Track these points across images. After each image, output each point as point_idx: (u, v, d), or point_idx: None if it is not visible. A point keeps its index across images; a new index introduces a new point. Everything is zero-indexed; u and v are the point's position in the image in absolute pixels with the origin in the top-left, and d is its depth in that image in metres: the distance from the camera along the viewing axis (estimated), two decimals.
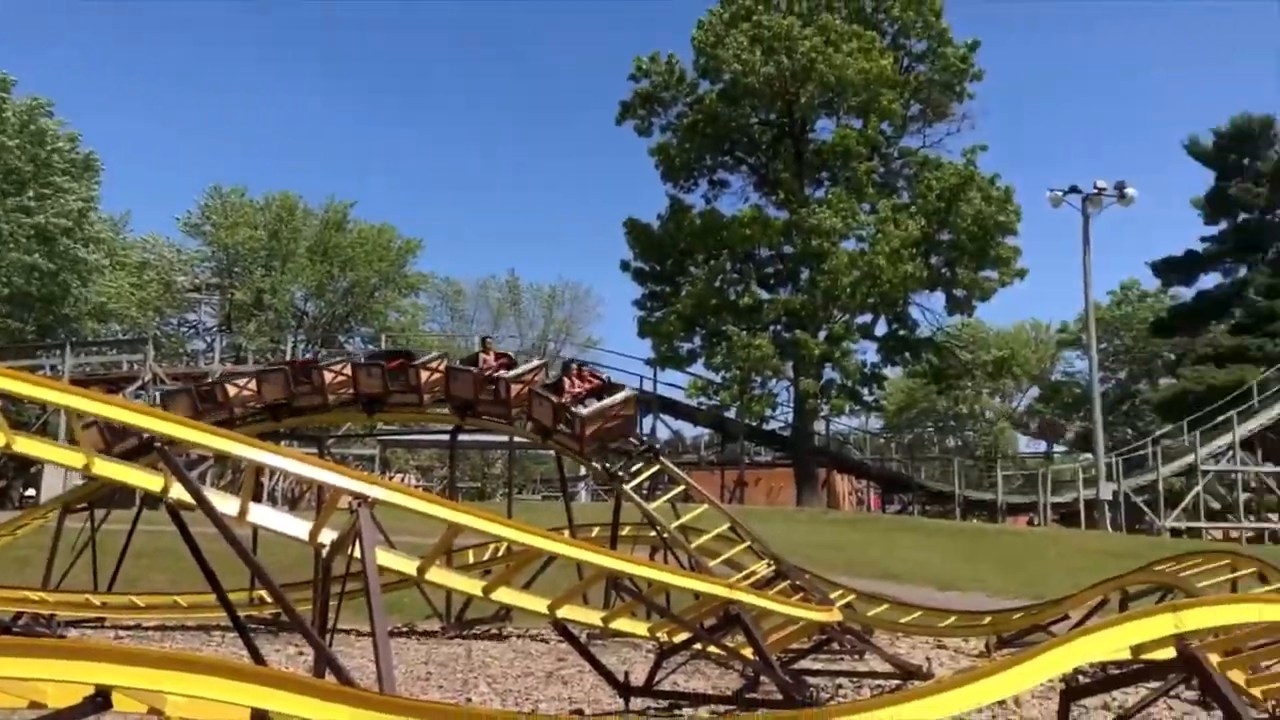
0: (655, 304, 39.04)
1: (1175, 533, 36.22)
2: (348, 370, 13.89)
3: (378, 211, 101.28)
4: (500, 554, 15.57)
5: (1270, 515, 41.32)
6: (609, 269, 59.11)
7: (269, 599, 14.02)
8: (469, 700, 8.43)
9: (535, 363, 15.25)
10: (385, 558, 6.63)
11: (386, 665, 5.51)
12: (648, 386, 41.48)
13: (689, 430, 46.86)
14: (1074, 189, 36.68)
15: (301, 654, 12.25)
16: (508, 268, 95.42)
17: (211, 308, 54.31)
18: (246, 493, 6.44)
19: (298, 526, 6.59)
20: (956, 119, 38.94)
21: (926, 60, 38.30)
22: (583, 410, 12.94)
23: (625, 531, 15.28)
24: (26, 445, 6.84)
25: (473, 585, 7.36)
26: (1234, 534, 38.29)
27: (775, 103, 37.42)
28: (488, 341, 16.38)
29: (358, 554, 6.42)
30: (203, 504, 5.69)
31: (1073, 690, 5.20)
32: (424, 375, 13.89)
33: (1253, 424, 38.76)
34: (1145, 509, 38.37)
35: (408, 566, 7.07)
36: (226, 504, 6.49)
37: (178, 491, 6.29)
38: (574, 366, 14.95)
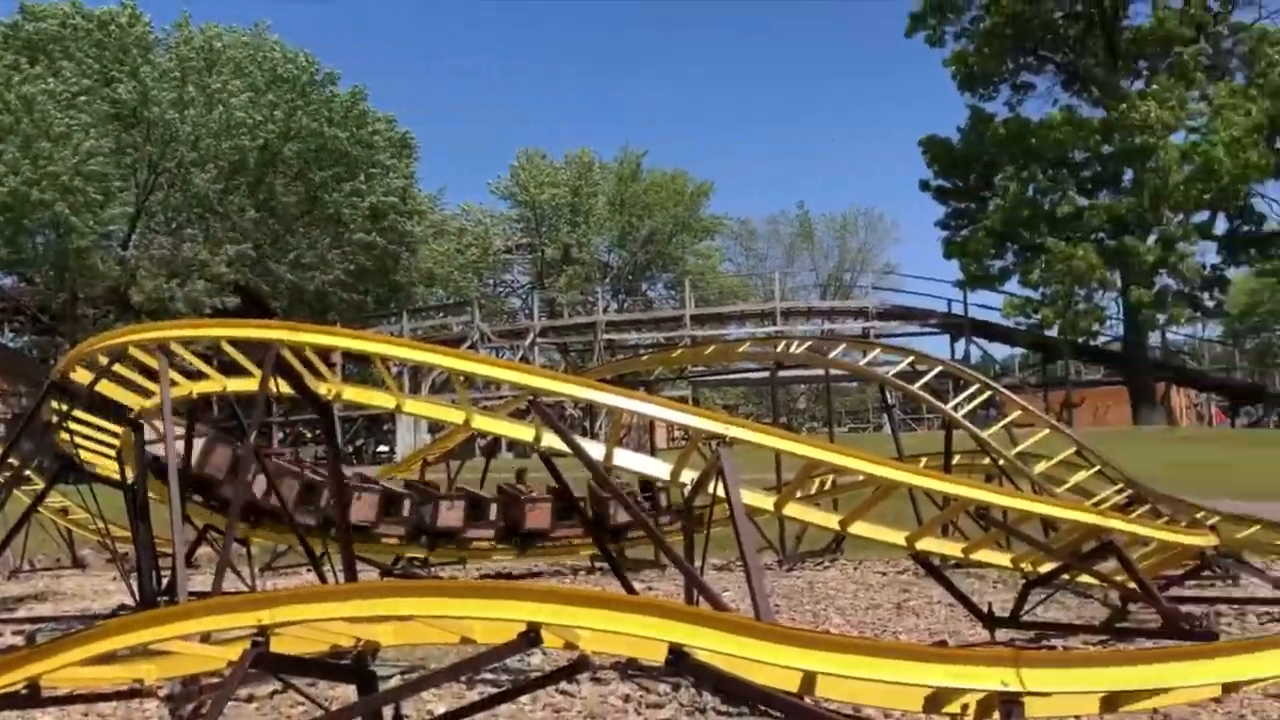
0: (960, 222, 37.48)
1: None
2: None
3: (666, 158, 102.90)
4: (827, 487, 15.59)
5: None
6: (904, 191, 57.37)
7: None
8: (828, 632, 8.50)
9: None
10: (743, 494, 6.76)
11: (761, 595, 5.62)
12: (957, 309, 40.06)
13: (999, 352, 44.88)
14: None
15: (650, 588, 12.82)
16: (796, 201, 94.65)
17: (524, 266, 57.53)
18: (613, 438, 6.76)
19: (659, 467, 6.84)
20: None
21: None
22: None
23: (955, 460, 14.86)
24: (413, 406, 7.52)
25: (829, 519, 7.39)
26: None
27: None
28: None
29: (714, 491, 6.60)
30: (577, 450, 6.02)
31: None
32: None
33: None
34: None
35: (764, 502, 7.18)
36: (592, 450, 6.83)
37: (548, 440, 6.70)
38: None
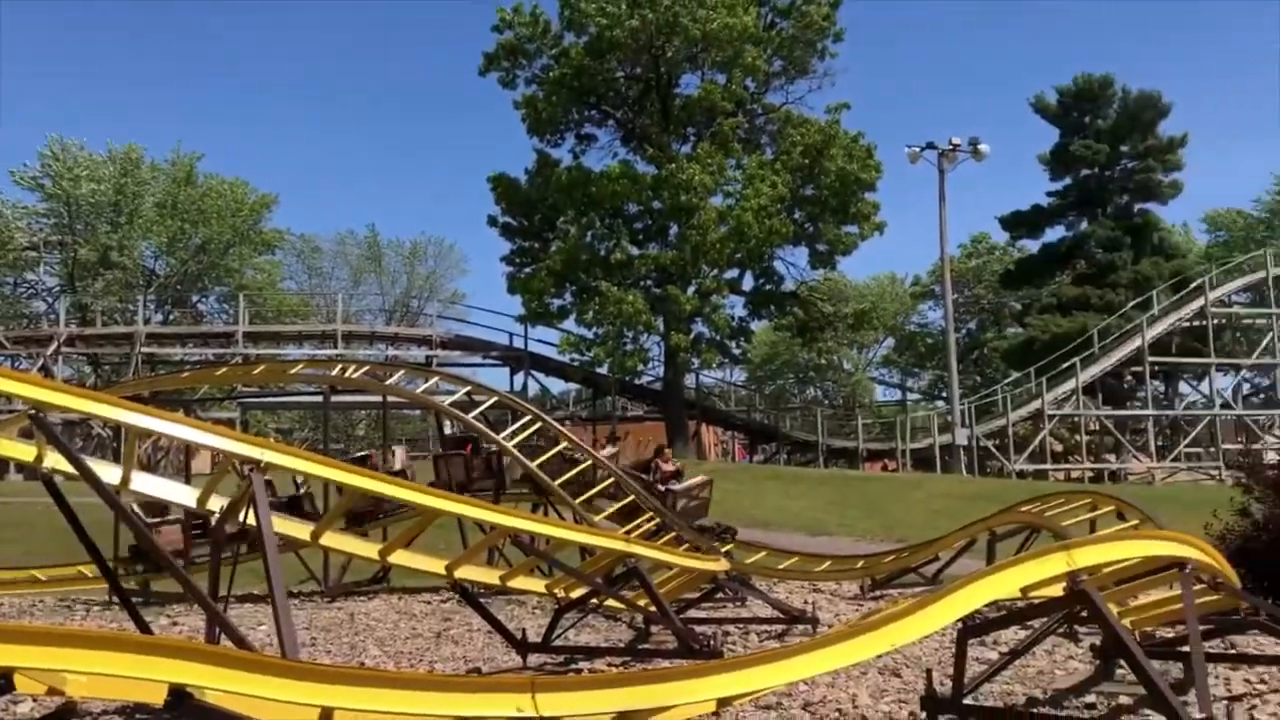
0: (524, 260, 38.72)
1: (1022, 475, 38.13)
2: None
3: (229, 166, 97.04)
4: (381, 517, 15.35)
5: (1109, 456, 43.91)
6: (475, 224, 58.33)
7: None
8: (362, 664, 8.29)
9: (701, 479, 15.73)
10: (278, 523, 6.44)
11: (289, 631, 5.37)
12: (518, 343, 41.30)
13: (556, 385, 46.89)
14: (930, 145, 37.82)
15: (175, 624, 11.85)
16: (367, 223, 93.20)
17: (53, 267, 51.39)
18: (129, 461, 6.14)
19: (184, 494, 6.32)
20: (818, 76, 39.53)
21: (789, 16, 38.68)
22: (676, 486, 14.30)
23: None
24: None
25: (369, 548, 7.23)
26: (1075, 474, 40.61)
27: (641, 56, 37.31)
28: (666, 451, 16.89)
29: (245, 518, 6.22)
30: (85, 473, 5.40)
31: (971, 629, 5.43)
32: None
33: (1094, 370, 40.97)
34: (995, 453, 40.28)
35: (302, 531, 6.88)
36: (106, 473, 6.18)
37: (53, 460, 5.96)
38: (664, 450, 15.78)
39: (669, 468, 15.30)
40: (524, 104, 38.22)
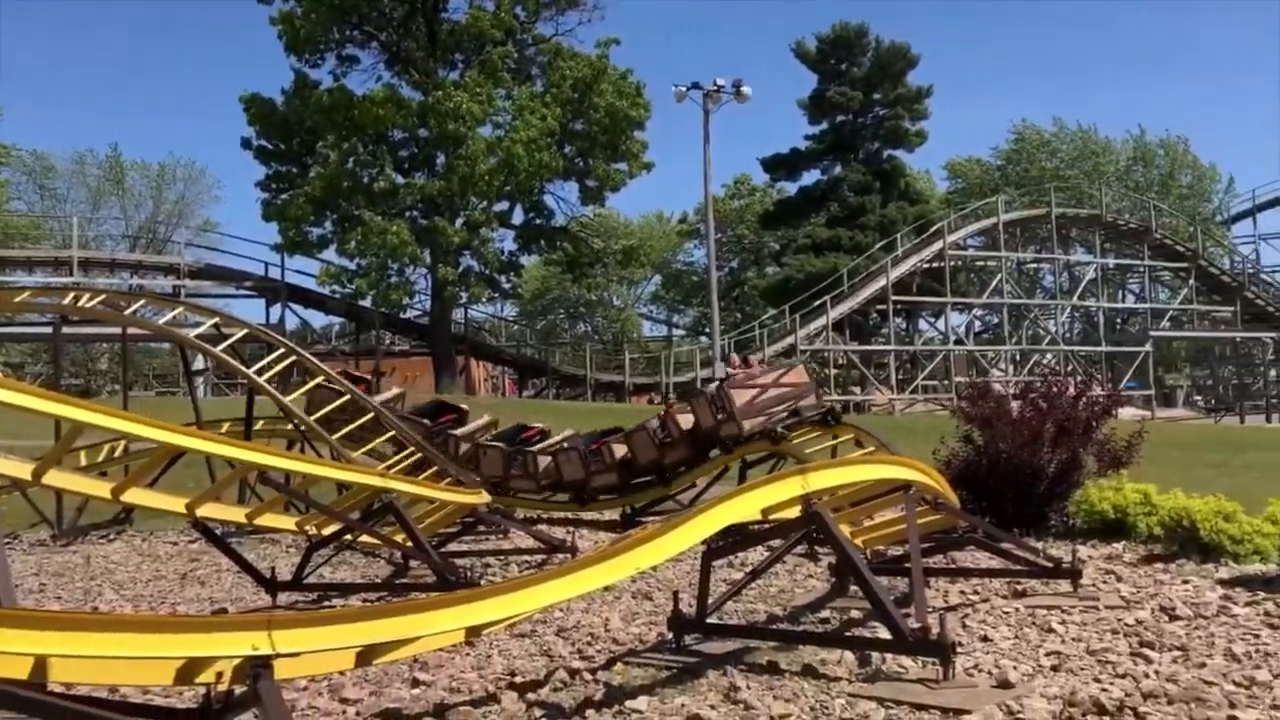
0: (282, 185, 36.91)
1: None
2: None
3: None
4: (118, 454, 14.44)
5: (854, 388, 46.71)
6: (230, 148, 55.03)
7: None
8: (95, 609, 7.82)
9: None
10: None
11: (2, 576, 4.99)
12: (275, 274, 39.55)
13: (318, 319, 45.31)
14: (696, 85, 38.45)
15: None
16: (109, 142, 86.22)
17: None
18: None
19: None
20: (587, 9, 39.33)
21: None
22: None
23: (259, 426, 14.65)
24: None
25: (99, 487, 6.76)
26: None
27: None
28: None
29: None
30: None
31: (713, 551, 5.66)
32: None
33: (843, 307, 43.27)
34: None
35: (20, 470, 6.35)
36: None
37: None
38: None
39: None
40: (281, 20, 36.14)
